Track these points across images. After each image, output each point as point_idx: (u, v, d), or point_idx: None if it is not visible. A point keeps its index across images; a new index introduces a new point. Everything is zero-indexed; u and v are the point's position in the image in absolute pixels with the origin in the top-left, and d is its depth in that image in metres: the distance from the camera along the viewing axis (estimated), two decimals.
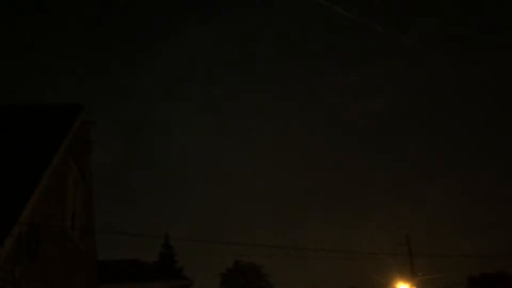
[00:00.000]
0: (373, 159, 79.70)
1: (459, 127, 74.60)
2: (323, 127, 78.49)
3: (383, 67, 68.83)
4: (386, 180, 79.33)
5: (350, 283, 58.83)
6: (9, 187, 7.21)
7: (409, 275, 30.99)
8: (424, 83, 71.69)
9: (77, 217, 11.04)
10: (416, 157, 77.54)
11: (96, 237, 13.28)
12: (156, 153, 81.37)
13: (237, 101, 78.06)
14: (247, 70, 79.53)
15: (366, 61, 71.97)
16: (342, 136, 78.91)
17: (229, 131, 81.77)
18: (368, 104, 73.80)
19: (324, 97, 76.93)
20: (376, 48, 70.16)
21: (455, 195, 75.57)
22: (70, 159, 10.29)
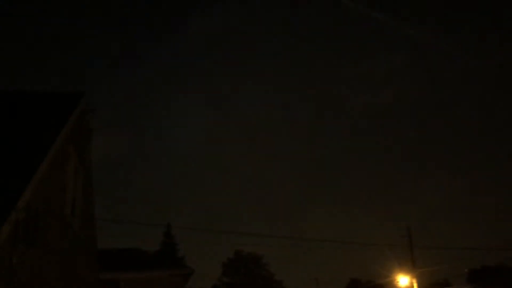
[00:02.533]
0: (375, 150, 79.57)
1: (464, 120, 74.30)
2: (327, 118, 78.33)
3: (390, 60, 68.42)
4: (388, 172, 79.20)
5: (350, 274, 59.07)
6: (8, 173, 7.19)
7: (410, 266, 31.06)
8: (431, 76, 71.33)
9: (77, 204, 11.04)
10: (419, 149, 77.40)
11: (96, 224, 13.32)
12: (158, 145, 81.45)
13: (241, 91, 77.94)
14: (251, 62, 79.22)
15: (372, 54, 71.58)
16: (345, 127, 78.81)
17: (232, 122, 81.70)
18: (372, 96, 73.56)
19: (329, 88, 76.71)
20: (383, 41, 69.73)
21: (456, 188, 75.47)
22: (70, 147, 10.26)
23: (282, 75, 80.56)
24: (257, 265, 56.20)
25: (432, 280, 43.41)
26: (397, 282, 32.71)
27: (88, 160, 12.57)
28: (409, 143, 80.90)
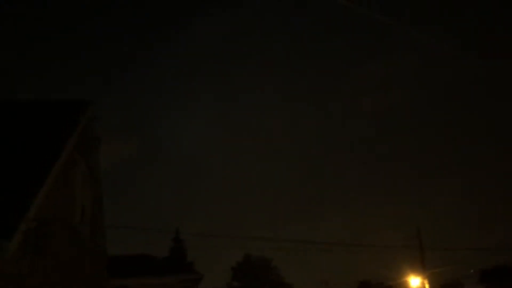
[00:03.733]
0: (384, 152, 79.26)
1: (474, 122, 73.89)
2: (333, 120, 78.20)
3: (396, 63, 68.25)
4: (397, 173, 78.82)
5: (360, 277, 58.73)
6: (17, 183, 7.25)
7: (420, 268, 30.85)
8: (436, 78, 71.07)
9: (86, 212, 11.09)
10: (427, 150, 77.01)
11: (106, 232, 13.36)
12: (166, 151, 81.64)
13: (249, 94, 78.03)
14: (258, 64, 79.33)
15: (378, 56, 71.46)
16: (352, 129, 78.65)
17: (239, 126, 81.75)
18: (378, 98, 73.38)
19: (335, 90, 76.65)
20: (389, 43, 69.62)
21: (466, 189, 74.95)
22: (78, 155, 10.32)
23: (287, 76, 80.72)
24: (266, 269, 56.07)
25: (444, 281, 43.11)
26: (409, 283, 32.51)
27: (97, 167, 12.63)
28: (417, 144, 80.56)
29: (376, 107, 74.52)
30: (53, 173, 7.75)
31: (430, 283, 30.84)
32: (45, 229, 7.10)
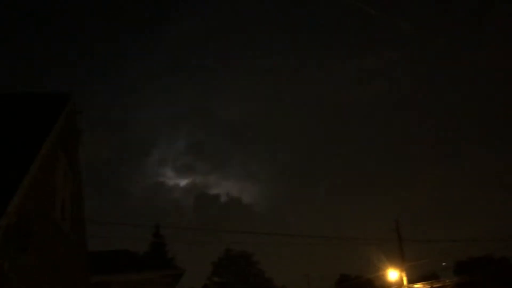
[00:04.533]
0: (362, 145, 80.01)
1: (457, 113, 75.01)
2: (321, 111, 78.57)
3: (382, 55, 68.76)
4: (375, 167, 79.80)
5: (341, 271, 59.40)
6: None
7: (399, 260, 31.33)
8: (423, 70, 71.89)
9: (67, 207, 10.89)
10: (407, 143, 78.06)
11: (86, 227, 13.16)
12: (144, 145, 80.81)
13: (228, 87, 77.69)
14: (243, 58, 79.05)
15: (364, 49, 71.89)
16: (335, 122, 79.16)
17: (220, 117, 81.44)
18: (363, 91, 73.98)
19: (320, 83, 76.94)
20: (374, 36, 70.07)
21: (443, 181, 76.31)
22: (58, 149, 10.10)
23: (274, 70, 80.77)
24: (247, 263, 56.20)
25: (421, 273, 43.90)
26: (387, 276, 32.99)
27: (77, 162, 12.41)
28: (397, 137, 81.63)
29: (360, 99, 75.19)
30: (34, 167, 7.56)
31: (408, 276, 31.35)
32: (27, 225, 6.92)
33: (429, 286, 34.66)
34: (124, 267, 25.87)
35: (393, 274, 32.31)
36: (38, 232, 7.77)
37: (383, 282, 37.61)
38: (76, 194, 12.01)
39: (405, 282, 30.93)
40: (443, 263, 33.64)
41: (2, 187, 6.77)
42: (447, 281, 35.94)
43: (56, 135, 9.34)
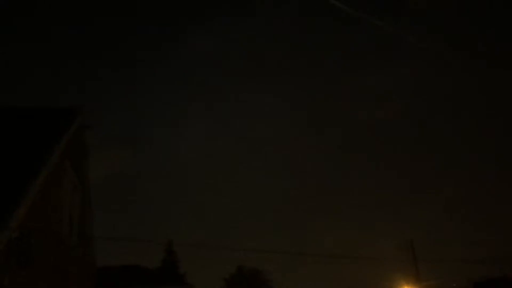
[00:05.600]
0: (377, 164, 79.27)
1: (469, 131, 74.05)
2: (328, 132, 78.24)
3: (394, 73, 68.36)
4: (390, 186, 78.79)
5: None
6: (0, 191, 7.02)
7: (414, 279, 30.67)
8: (435, 89, 71.33)
9: (75, 222, 10.85)
10: (420, 163, 77.15)
11: (94, 242, 13.09)
12: (159, 161, 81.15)
13: (243, 103, 77.93)
14: (253, 73, 79.34)
15: (376, 66, 71.63)
16: (346, 140, 78.68)
17: (233, 135, 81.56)
18: (375, 110, 73.53)
19: (332, 100, 76.74)
20: (386, 53, 69.82)
21: (457, 201, 75.03)
22: (67, 163, 10.11)
23: (285, 87, 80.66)
24: (259, 281, 55.62)
25: None
26: None
27: (86, 176, 12.41)
28: (411, 156, 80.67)
29: (370, 119, 74.63)
30: (38, 182, 7.53)
31: None
32: (30, 239, 6.87)
33: None
34: (135, 283, 25.79)
35: None
36: (41, 247, 7.71)
37: None
38: (85, 209, 11.99)
39: None
40: (454, 285, 32.79)
41: (5, 201, 6.75)
42: None
43: (63, 149, 9.34)
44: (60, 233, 9.46)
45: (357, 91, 72.09)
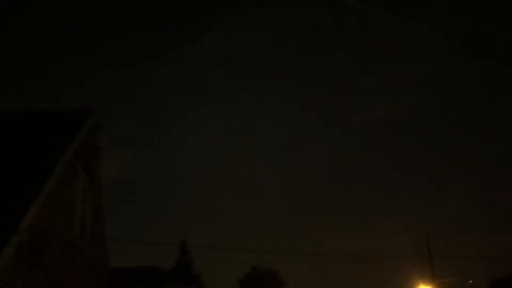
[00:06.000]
0: (392, 160, 78.57)
1: (485, 128, 72.98)
2: (341, 128, 77.76)
3: (407, 70, 67.59)
4: (405, 183, 78.04)
5: (370, 287, 57.95)
6: (11, 194, 7.02)
7: (430, 277, 30.28)
8: (447, 86, 70.39)
9: (87, 224, 10.84)
10: (437, 158, 76.24)
11: (107, 244, 13.09)
12: (172, 162, 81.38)
13: (243, 103, 77.76)
14: (253, 73, 79.13)
15: (387, 64, 70.93)
16: (360, 138, 78.08)
17: (243, 137, 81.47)
18: (388, 107, 72.85)
19: (342, 99, 76.24)
20: (399, 49, 69.01)
21: (476, 196, 73.97)
22: (78, 165, 10.10)
23: (285, 87, 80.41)
24: (273, 281, 55.48)
25: None
26: None
27: (98, 178, 12.40)
28: (426, 153, 79.81)
29: (383, 116, 73.97)
30: (50, 183, 7.52)
31: None
32: (40, 242, 6.84)
33: None
34: (149, 284, 25.84)
35: None
36: (53, 249, 7.69)
37: None
38: (97, 210, 11.98)
39: None
40: (470, 281, 32.22)
41: (16, 204, 6.74)
42: None
43: (74, 151, 9.33)
44: (72, 235, 9.45)
45: (358, 91, 71.40)
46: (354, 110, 75.13)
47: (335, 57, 72.01)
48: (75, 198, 9.99)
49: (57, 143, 9.00)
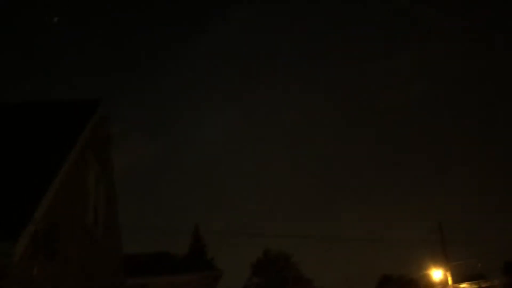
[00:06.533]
0: (405, 145, 78.14)
1: (498, 113, 72.13)
2: (355, 113, 77.38)
3: (421, 53, 66.75)
4: (418, 167, 77.72)
5: (382, 271, 58.14)
6: (25, 184, 7.13)
7: (443, 261, 30.30)
8: (459, 70, 69.56)
9: (100, 212, 10.99)
10: (450, 142, 75.70)
11: (121, 232, 13.28)
12: (184, 149, 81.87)
13: (264, 93, 77.64)
14: (271, 63, 78.84)
15: (401, 48, 70.10)
16: (373, 122, 77.74)
17: (256, 124, 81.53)
18: (402, 91, 72.29)
19: (355, 84, 75.77)
20: (413, 33, 68.11)
21: (486, 180, 73.45)
22: (89, 155, 10.21)
23: (306, 73, 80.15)
24: (286, 265, 55.87)
25: (467, 273, 42.29)
26: (431, 276, 32.00)
27: (110, 167, 12.54)
28: (438, 137, 79.29)
29: (397, 101, 73.43)
30: (62, 173, 7.62)
31: (453, 276, 30.29)
32: (55, 231, 6.96)
33: (476, 286, 33.35)
34: (162, 269, 26.15)
35: (437, 273, 31.31)
36: (68, 238, 7.83)
37: (427, 282, 36.48)
38: (110, 199, 12.13)
39: (450, 282, 29.89)
40: (479, 264, 32.15)
41: (30, 193, 6.85)
42: (495, 281, 34.47)
43: (85, 140, 9.43)
44: (86, 224, 9.60)
45: (373, 77, 70.88)
46: (364, 96, 74.69)
47: (347, 44, 71.34)
48: (87, 186, 10.12)
49: (68, 133, 9.09)
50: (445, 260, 30.17)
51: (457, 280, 32.07)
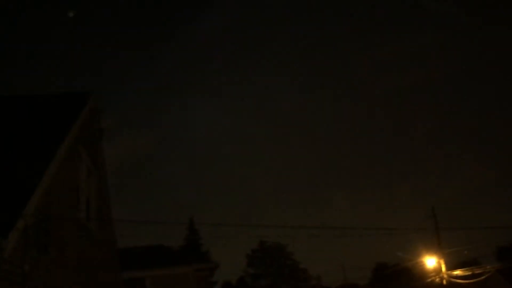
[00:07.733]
0: (398, 134, 78.42)
1: (494, 101, 72.46)
2: (351, 101, 77.40)
3: (416, 41, 66.68)
4: (412, 155, 78.08)
5: (376, 259, 58.56)
6: (15, 178, 7.02)
7: (436, 248, 30.49)
8: (459, 56, 69.67)
9: (92, 206, 10.90)
10: (444, 129, 76.06)
11: (114, 225, 13.19)
12: (177, 141, 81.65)
13: (258, 81, 77.43)
14: (268, 50, 78.57)
15: (398, 36, 70.04)
16: (368, 111, 77.85)
17: (250, 112, 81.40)
18: (398, 79, 72.39)
19: (351, 72, 75.70)
20: (408, 20, 68.01)
21: (481, 167, 73.96)
22: (80, 148, 10.09)
23: (302, 60, 79.97)
24: (281, 255, 56.12)
25: (461, 260, 42.70)
26: (425, 263, 32.22)
27: (101, 160, 12.42)
28: (433, 125, 79.63)
29: (392, 88, 73.63)
30: (52, 167, 7.50)
31: (447, 263, 30.52)
32: (47, 225, 6.87)
33: (469, 273, 33.63)
34: (158, 262, 26.13)
35: (431, 261, 31.51)
36: (59, 232, 7.74)
37: (421, 269, 36.75)
38: (102, 193, 12.03)
39: (443, 269, 30.11)
40: (465, 252, 32.34)
41: (20, 188, 6.75)
42: (488, 267, 34.77)
43: (76, 134, 9.31)
44: (78, 218, 9.51)
45: (375, 62, 70.96)
46: (369, 80, 74.61)
47: (350, 28, 70.95)
48: (79, 180, 10.01)
49: (59, 126, 8.97)
50: (439, 247, 30.37)
51: (451, 267, 32.32)
